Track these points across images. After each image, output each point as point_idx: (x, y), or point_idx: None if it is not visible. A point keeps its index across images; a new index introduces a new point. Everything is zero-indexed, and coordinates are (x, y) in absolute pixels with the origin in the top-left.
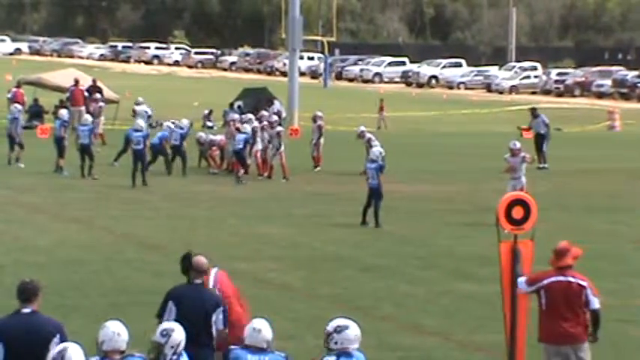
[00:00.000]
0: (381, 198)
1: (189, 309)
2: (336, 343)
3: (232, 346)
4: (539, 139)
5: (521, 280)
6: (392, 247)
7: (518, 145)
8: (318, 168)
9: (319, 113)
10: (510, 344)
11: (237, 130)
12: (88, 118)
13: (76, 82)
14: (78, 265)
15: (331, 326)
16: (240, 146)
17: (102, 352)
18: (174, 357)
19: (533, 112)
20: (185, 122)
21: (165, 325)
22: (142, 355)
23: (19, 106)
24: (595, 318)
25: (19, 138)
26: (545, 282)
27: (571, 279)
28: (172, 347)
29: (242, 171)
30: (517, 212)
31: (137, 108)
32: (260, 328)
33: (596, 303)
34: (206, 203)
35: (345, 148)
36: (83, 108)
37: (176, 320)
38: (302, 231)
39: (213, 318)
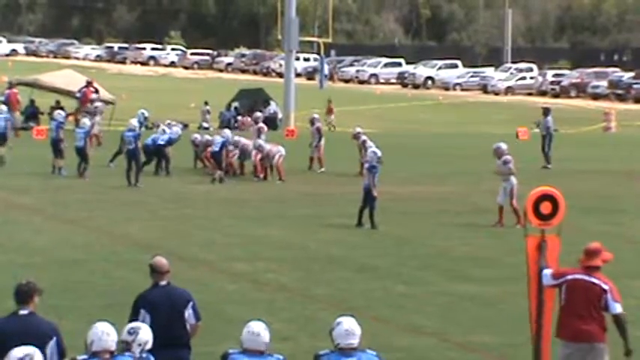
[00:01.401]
0: (374, 199)
1: (163, 313)
2: (334, 341)
3: (231, 350)
4: (545, 139)
5: (547, 272)
6: (388, 248)
7: (502, 146)
8: (323, 169)
9: (316, 115)
10: (536, 340)
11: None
12: (86, 121)
13: (88, 83)
14: (74, 265)
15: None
16: (217, 149)
17: (91, 353)
18: (144, 355)
19: (545, 112)
20: (176, 129)
21: (131, 324)
22: (131, 355)
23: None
24: (618, 323)
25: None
26: (569, 277)
27: (595, 280)
28: (140, 345)
29: (218, 172)
30: (545, 207)
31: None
32: (258, 332)
33: (617, 308)
34: (202, 204)
35: (341, 149)
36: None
37: (152, 326)
38: (298, 232)
39: (186, 315)
